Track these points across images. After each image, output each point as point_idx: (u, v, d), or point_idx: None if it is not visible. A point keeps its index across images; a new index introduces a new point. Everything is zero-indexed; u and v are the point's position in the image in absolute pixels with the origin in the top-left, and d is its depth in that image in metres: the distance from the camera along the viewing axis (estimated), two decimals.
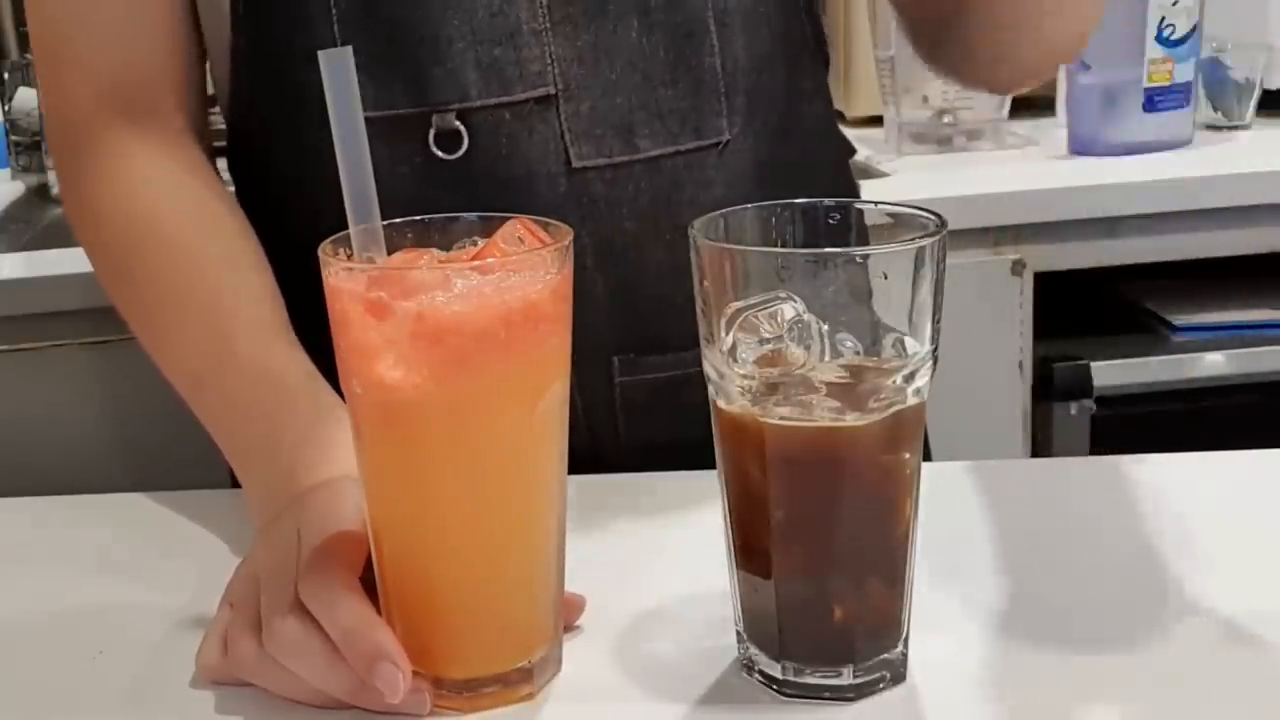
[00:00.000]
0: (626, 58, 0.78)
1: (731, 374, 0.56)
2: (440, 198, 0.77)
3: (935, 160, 1.65)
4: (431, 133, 0.78)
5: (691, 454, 0.71)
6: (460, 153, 0.78)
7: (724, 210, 0.59)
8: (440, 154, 0.78)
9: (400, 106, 0.78)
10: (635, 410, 0.84)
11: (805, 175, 0.87)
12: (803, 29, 0.87)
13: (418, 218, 0.60)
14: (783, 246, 0.59)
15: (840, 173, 0.96)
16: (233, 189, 0.87)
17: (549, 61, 0.77)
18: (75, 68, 0.81)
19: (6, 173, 1.81)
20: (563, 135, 0.78)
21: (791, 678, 0.58)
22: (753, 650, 0.59)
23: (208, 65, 0.86)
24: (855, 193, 0.98)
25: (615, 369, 0.83)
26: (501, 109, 0.78)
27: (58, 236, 1.68)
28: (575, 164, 0.78)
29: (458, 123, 0.77)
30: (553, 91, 0.77)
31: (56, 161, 0.84)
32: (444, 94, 0.77)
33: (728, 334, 0.55)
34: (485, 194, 0.77)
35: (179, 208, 0.80)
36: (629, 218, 0.80)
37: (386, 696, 0.55)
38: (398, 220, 0.59)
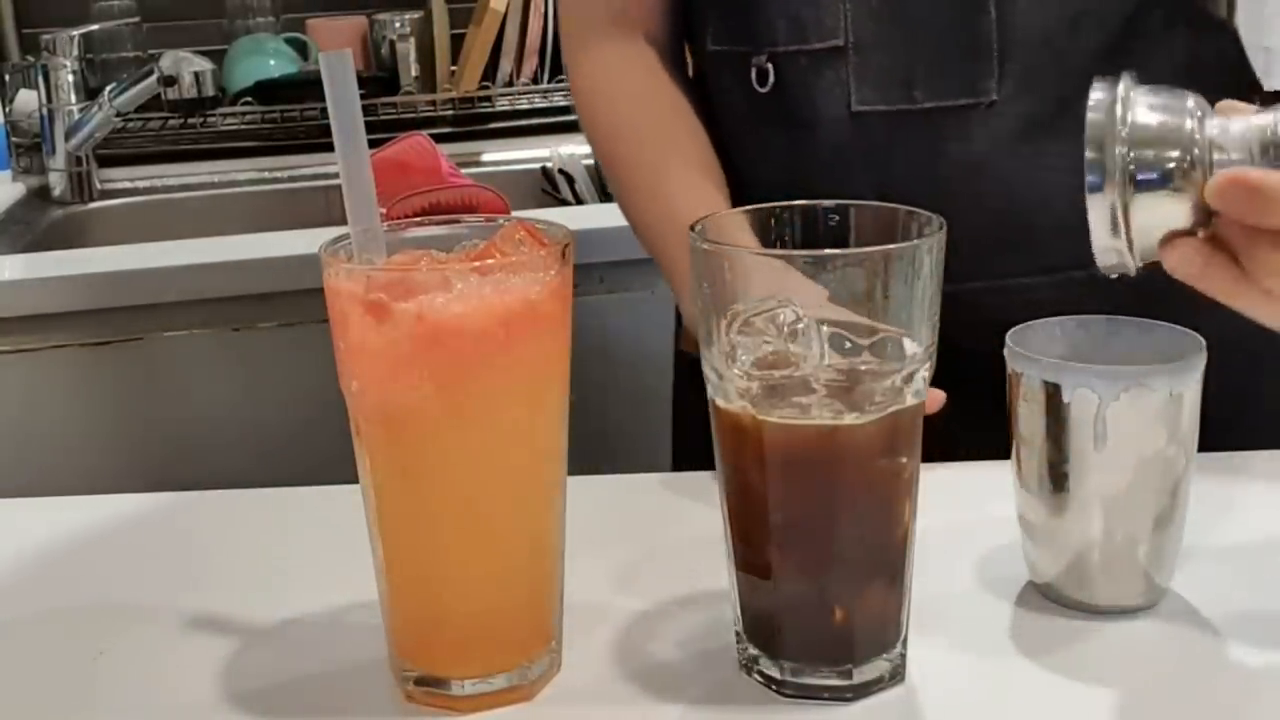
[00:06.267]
0: (914, 17, 0.89)
1: (731, 375, 0.56)
2: (760, 126, 0.94)
3: None
4: (753, 70, 0.93)
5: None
6: (768, 88, 0.92)
7: (724, 211, 0.59)
8: (758, 88, 0.93)
9: (732, 44, 0.95)
10: None
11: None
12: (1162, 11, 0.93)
13: (418, 219, 0.60)
14: (782, 247, 0.59)
15: None
16: None
17: (842, 18, 0.90)
18: None
19: (7, 174, 1.81)
20: (848, 82, 0.90)
21: (791, 678, 0.58)
22: (753, 650, 0.59)
23: None
24: None
25: None
26: (799, 55, 0.91)
27: (58, 238, 1.69)
28: (855, 108, 0.90)
29: (768, 64, 0.92)
30: (842, 44, 0.90)
31: (567, 59, 1.05)
32: (759, 39, 0.92)
33: (727, 335, 0.56)
34: (788, 128, 0.92)
35: (638, 96, 0.98)
36: (901, 164, 0.90)
37: None
38: (398, 221, 0.59)
